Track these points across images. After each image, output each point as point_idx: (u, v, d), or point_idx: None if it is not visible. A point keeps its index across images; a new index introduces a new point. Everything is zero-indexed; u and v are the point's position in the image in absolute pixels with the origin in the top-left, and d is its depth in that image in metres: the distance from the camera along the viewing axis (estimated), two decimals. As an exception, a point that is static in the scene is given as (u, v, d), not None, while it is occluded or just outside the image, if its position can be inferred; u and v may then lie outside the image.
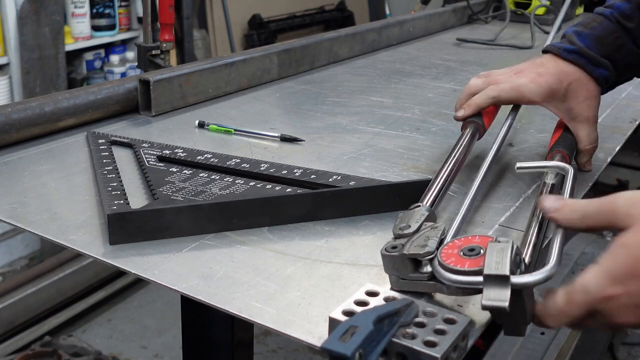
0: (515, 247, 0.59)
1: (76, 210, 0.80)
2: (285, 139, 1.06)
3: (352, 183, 0.84)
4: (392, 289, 0.65)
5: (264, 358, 2.31)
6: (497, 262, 0.58)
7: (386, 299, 0.60)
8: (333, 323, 0.57)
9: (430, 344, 0.54)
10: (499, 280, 0.57)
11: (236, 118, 1.17)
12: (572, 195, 0.75)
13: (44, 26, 2.62)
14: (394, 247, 0.64)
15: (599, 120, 1.12)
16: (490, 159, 0.85)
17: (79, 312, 2.43)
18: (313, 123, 1.16)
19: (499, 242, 0.60)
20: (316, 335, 0.59)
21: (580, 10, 2.57)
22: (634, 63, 0.96)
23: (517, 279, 0.57)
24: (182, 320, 0.96)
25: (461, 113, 0.95)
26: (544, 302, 0.61)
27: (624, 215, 0.59)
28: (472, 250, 0.60)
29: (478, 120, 0.94)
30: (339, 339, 0.50)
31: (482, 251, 0.60)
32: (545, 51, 0.97)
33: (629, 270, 0.57)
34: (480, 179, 0.79)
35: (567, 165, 0.79)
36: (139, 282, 2.59)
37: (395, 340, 0.54)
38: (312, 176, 0.87)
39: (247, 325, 0.94)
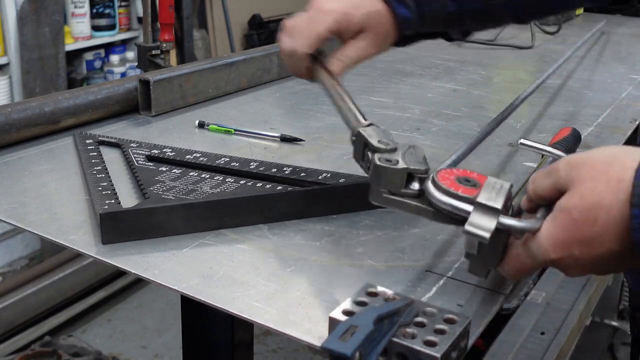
0: (511, 189, 0.61)
1: (76, 210, 0.80)
2: (285, 139, 1.06)
3: (341, 180, 0.85)
4: (372, 201, 0.66)
5: (264, 358, 2.31)
6: (492, 195, 0.59)
7: (386, 299, 0.60)
8: (333, 323, 0.57)
9: (430, 344, 0.54)
10: (489, 211, 0.59)
11: (236, 118, 1.17)
12: None
13: (44, 26, 2.63)
14: (389, 160, 0.64)
15: (598, 120, 1.12)
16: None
17: (79, 312, 2.43)
18: (313, 123, 1.16)
19: (498, 180, 0.61)
20: (316, 335, 0.59)
21: (580, 10, 2.58)
22: (439, 10, 0.88)
23: (504, 219, 0.59)
24: (182, 320, 0.96)
25: None
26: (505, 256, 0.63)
27: (565, 179, 0.59)
28: (468, 180, 0.62)
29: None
30: (339, 339, 0.50)
31: (477, 184, 0.61)
32: None
33: (569, 235, 0.57)
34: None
35: (566, 156, 0.79)
36: (139, 282, 2.59)
37: (395, 340, 0.54)
38: (302, 174, 0.87)
39: (247, 325, 0.94)
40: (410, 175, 0.64)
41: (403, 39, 0.90)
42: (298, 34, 0.86)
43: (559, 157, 0.80)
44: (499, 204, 0.59)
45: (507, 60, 1.81)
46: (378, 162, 0.64)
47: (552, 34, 2.15)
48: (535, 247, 0.59)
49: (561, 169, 0.60)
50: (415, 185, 0.64)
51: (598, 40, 2.10)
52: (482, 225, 0.58)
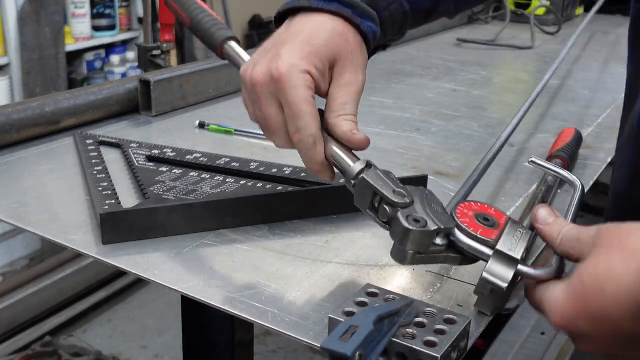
0: (532, 237, 0.61)
1: (76, 210, 0.80)
2: (285, 139, 1.06)
3: (341, 180, 0.85)
4: (394, 258, 0.62)
5: (264, 358, 2.31)
6: (513, 243, 0.59)
7: (386, 299, 0.60)
8: (333, 323, 0.57)
9: (430, 344, 0.54)
10: (508, 260, 0.58)
11: (236, 118, 1.17)
12: (576, 212, 0.71)
13: (44, 26, 2.63)
14: (417, 221, 0.60)
15: (599, 120, 1.12)
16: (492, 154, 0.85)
17: (79, 312, 2.43)
18: (313, 123, 1.16)
19: (518, 225, 0.61)
20: (316, 335, 0.59)
21: (580, 10, 2.58)
22: (396, 13, 0.75)
23: (523, 267, 0.58)
24: (182, 320, 0.96)
25: None
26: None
27: (589, 244, 0.55)
28: (486, 219, 0.61)
29: None
30: (339, 339, 0.50)
31: (496, 224, 0.61)
32: (287, 12, 0.72)
33: (576, 305, 0.53)
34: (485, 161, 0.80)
35: (577, 180, 0.78)
36: (139, 282, 2.59)
37: (395, 340, 0.54)
38: (302, 174, 0.87)
39: (247, 325, 0.94)
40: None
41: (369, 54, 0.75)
42: (306, 119, 0.66)
43: (570, 180, 0.78)
44: (518, 254, 0.58)
45: (507, 60, 1.81)
46: (408, 226, 0.59)
47: (552, 34, 2.15)
48: (547, 307, 0.56)
49: (590, 235, 0.56)
50: (440, 240, 0.61)
51: (598, 40, 2.10)
52: (500, 274, 0.58)
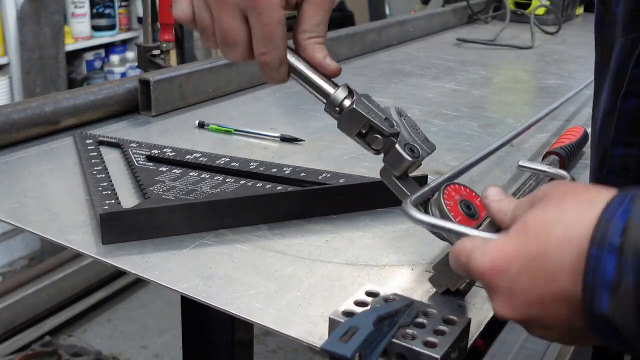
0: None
1: (76, 210, 0.80)
2: (285, 139, 1.06)
3: (341, 180, 0.85)
4: (381, 176, 0.68)
5: (264, 358, 2.31)
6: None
7: (386, 299, 0.60)
8: (333, 323, 0.57)
9: (430, 345, 0.54)
10: None
11: (236, 118, 1.17)
12: None
13: (44, 26, 2.63)
14: (412, 151, 0.65)
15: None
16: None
17: (79, 312, 2.43)
18: (313, 123, 1.16)
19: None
20: (316, 335, 0.59)
21: (580, 10, 2.58)
22: None
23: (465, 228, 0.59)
24: (182, 320, 0.96)
25: None
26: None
27: (540, 196, 0.51)
28: (469, 208, 0.62)
29: None
30: (339, 340, 0.50)
31: (476, 215, 0.62)
32: None
33: (515, 248, 0.49)
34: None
35: (566, 174, 0.78)
36: (139, 282, 2.59)
37: (395, 340, 0.54)
38: (302, 174, 0.87)
39: (247, 326, 0.94)
40: None
41: None
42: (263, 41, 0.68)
43: (559, 175, 0.77)
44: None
45: (507, 60, 1.81)
46: (408, 157, 0.64)
47: (552, 34, 2.15)
48: (479, 251, 0.51)
49: (541, 188, 0.52)
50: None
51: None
52: None
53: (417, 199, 0.63)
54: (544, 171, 0.78)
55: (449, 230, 0.58)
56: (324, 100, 0.67)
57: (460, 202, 0.62)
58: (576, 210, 0.47)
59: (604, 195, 0.46)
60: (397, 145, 0.65)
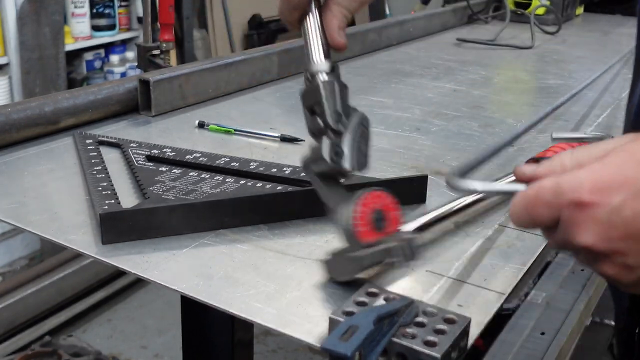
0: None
1: (76, 210, 0.80)
2: (285, 139, 1.06)
3: (342, 180, 0.85)
4: (304, 169, 0.68)
5: (264, 358, 2.31)
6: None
7: (386, 299, 0.60)
8: (333, 323, 0.57)
9: (430, 344, 0.54)
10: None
11: (236, 118, 1.17)
12: None
13: (44, 26, 2.63)
14: (337, 155, 0.64)
15: (599, 120, 1.12)
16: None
17: (79, 312, 2.43)
18: (313, 123, 1.16)
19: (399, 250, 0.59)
20: (316, 335, 0.59)
21: (580, 10, 2.58)
22: None
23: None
24: (182, 320, 0.96)
25: None
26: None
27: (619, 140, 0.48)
28: (379, 221, 0.61)
29: None
30: (339, 339, 0.50)
31: (381, 228, 0.61)
32: None
33: (620, 175, 0.46)
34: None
35: (606, 134, 0.75)
36: (139, 282, 2.59)
37: (395, 340, 0.54)
38: (302, 174, 0.87)
39: (247, 325, 0.94)
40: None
41: None
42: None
43: (599, 137, 0.73)
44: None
45: (507, 60, 1.81)
46: (326, 157, 0.63)
47: (552, 34, 2.15)
48: (568, 179, 0.47)
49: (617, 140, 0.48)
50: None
51: (598, 40, 2.10)
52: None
53: (460, 170, 0.61)
54: (582, 138, 0.74)
55: (509, 193, 0.54)
56: (307, 64, 0.68)
57: (375, 211, 0.62)
58: None
59: None
60: (325, 140, 0.64)
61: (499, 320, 1.94)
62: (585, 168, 0.48)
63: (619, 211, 0.45)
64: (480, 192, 0.56)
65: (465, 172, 0.62)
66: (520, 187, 0.53)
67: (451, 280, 0.68)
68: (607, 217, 0.46)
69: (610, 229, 0.46)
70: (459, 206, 0.75)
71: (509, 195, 0.54)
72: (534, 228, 0.52)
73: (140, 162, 0.91)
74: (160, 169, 0.89)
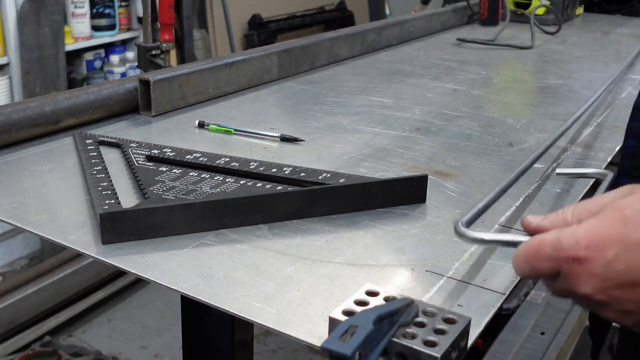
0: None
1: (76, 210, 0.80)
2: (285, 139, 1.06)
3: (341, 180, 0.85)
4: None
5: (264, 358, 2.31)
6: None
7: (386, 299, 0.60)
8: (333, 323, 0.57)
9: (430, 344, 0.54)
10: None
11: (236, 118, 1.17)
12: None
13: (44, 26, 2.63)
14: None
15: (599, 120, 1.12)
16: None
17: (79, 312, 2.43)
18: (313, 123, 1.16)
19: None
20: (316, 335, 0.59)
21: (580, 10, 2.58)
22: None
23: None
24: (182, 320, 0.96)
25: None
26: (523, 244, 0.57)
27: (628, 190, 0.53)
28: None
29: None
30: (339, 339, 0.50)
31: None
32: None
33: (611, 232, 0.51)
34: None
35: (607, 171, 0.77)
36: (139, 282, 2.59)
37: (395, 340, 0.54)
38: (302, 174, 0.87)
39: (247, 325, 0.94)
40: None
41: None
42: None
43: (600, 173, 0.75)
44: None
45: (507, 60, 1.81)
46: None
47: (552, 34, 2.15)
48: (567, 236, 0.52)
49: (607, 195, 0.54)
50: None
51: (597, 40, 2.10)
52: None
53: (468, 221, 0.65)
54: (585, 174, 0.76)
55: (512, 243, 0.58)
56: None
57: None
58: None
59: None
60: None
61: (499, 320, 1.95)
62: (582, 224, 0.53)
63: (612, 264, 0.51)
64: (486, 243, 0.59)
65: (473, 220, 0.66)
66: (523, 238, 0.57)
67: (451, 280, 0.68)
68: (602, 270, 0.51)
69: (606, 281, 0.51)
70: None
71: (513, 245, 0.58)
72: (534, 278, 0.57)
73: (140, 162, 0.91)
74: (160, 169, 0.89)
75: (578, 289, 0.52)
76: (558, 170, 0.78)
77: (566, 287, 0.54)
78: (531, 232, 0.58)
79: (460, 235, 0.63)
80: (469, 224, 0.65)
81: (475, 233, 0.62)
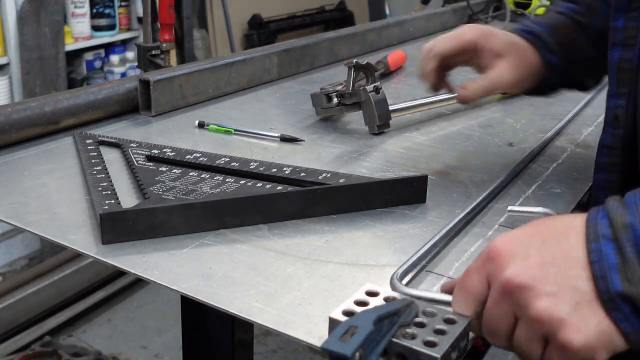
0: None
1: (76, 210, 0.80)
2: (285, 139, 1.06)
3: (341, 180, 0.85)
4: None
5: (264, 358, 2.31)
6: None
7: (386, 299, 0.60)
8: (333, 323, 0.57)
9: (430, 344, 0.54)
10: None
11: (236, 118, 1.17)
12: None
13: (44, 26, 2.62)
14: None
15: (599, 120, 1.11)
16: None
17: (79, 312, 2.43)
18: (313, 123, 1.16)
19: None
20: (316, 335, 0.59)
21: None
22: (583, 61, 0.94)
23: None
24: (182, 320, 0.96)
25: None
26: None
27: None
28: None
29: None
30: (339, 339, 0.50)
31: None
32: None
33: (523, 231, 0.57)
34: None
35: (553, 212, 0.81)
36: (139, 282, 2.59)
37: (395, 340, 0.54)
38: (302, 174, 0.87)
39: (247, 325, 0.94)
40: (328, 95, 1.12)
41: (543, 87, 0.96)
42: (441, 39, 0.93)
43: (548, 213, 0.80)
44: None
45: (507, 60, 1.81)
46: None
47: (552, 34, 2.15)
48: (490, 246, 0.57)
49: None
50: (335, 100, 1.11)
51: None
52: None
53: (402, 274, 0.66)
54: (535, 212, 0.80)
55: (436, 301, 0.60)
56: None
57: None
58: (579, 218, 0.56)
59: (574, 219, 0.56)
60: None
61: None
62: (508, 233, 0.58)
63: (530, 245, 0.55)
64: (416, 298, 0.61)
65: (408, 273, 0.67)
66: (449, 297, 0.59)
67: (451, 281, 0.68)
68: (523, 249, 0.54)
69: (527, 260, 0.54)
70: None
71: (442, 303, 0.60)
72: (474, 306, 0.57)
73: (140, 162, 0.91)
74: (160, 169, 0.89)
75: (505, 274, 0.54)
76: (510, 207, 0.81)
77: (496, 290, 0.55)
78: (449, 289, 0.61)
79: (393, 288, 0.64)
80: (404, 276, 0.66)
81: (407, 289, 0.63)
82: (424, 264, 0.71)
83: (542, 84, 0.95)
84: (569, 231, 0.54)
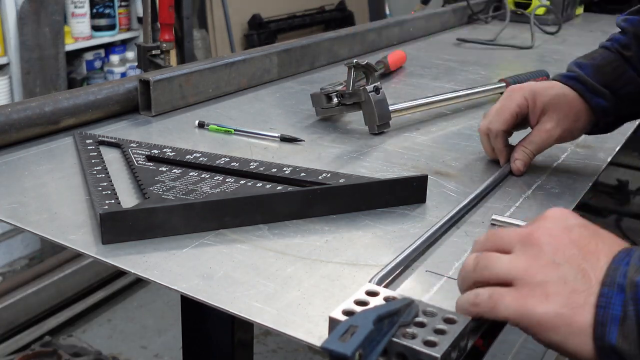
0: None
1: (76, 210, 0.80)
2: (285, 139, 1.06)
3: (341, 180, 0.85)
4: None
5: (264, 358, 2.31)
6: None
7: (386, 299, 0.60)
8: (333, 323, 0.57)
9: (430, 344, 0.54)
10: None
11: (236, 118, 1.17)
12: None
13: (44, 26, 2.62)
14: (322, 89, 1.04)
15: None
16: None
17: (79, 312, 2.43)
18: (313, 123, 1.16)
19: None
20: (316, 335, 0.59)
21: (580, 10, 2.58)
22: (635, 92, 0.95)
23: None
24: (182, 320, 0.96)
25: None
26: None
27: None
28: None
29: None
30: (339, 339, 0.50)
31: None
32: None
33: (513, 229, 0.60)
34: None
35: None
36: (139, 282, 2.59)
37: (395, 340, 0.54)
38: (302, 174, 0.87)
39: (247, 325, 0.94)
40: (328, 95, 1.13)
41: (604, 125, 0.97)
42: (493, 117, 0.94)
43: None
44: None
45: (507, 60, 1.81)
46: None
47: (552, 34, 2.15)
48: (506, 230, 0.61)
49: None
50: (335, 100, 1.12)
51: (597, 40, 2.09)
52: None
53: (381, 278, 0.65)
54: (517, 224, 0.79)
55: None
56: None
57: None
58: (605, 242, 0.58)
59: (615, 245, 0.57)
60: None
61: (499, 321, 1.94)
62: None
63: (565, 251, 0.56)
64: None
65: (391, 275, 0.68)
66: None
67: (451, 280, 0.68)
68: (555, 250, 0.56)
69: (537, 260, 0.56)
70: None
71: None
72: (469, 285, 0.60)
73: (140, 162, 0.91)
74: (160, 169, 0.89)
75: (510, 264, 0.57)
76: (494, 216, 0.80)
77: (486, 263, 0.58)
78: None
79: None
80: (382, 281, 0.65)
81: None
82: (407, 264, 0.70)
83: (598, 125, 0.96)
84: (602, 256, 0.55)
